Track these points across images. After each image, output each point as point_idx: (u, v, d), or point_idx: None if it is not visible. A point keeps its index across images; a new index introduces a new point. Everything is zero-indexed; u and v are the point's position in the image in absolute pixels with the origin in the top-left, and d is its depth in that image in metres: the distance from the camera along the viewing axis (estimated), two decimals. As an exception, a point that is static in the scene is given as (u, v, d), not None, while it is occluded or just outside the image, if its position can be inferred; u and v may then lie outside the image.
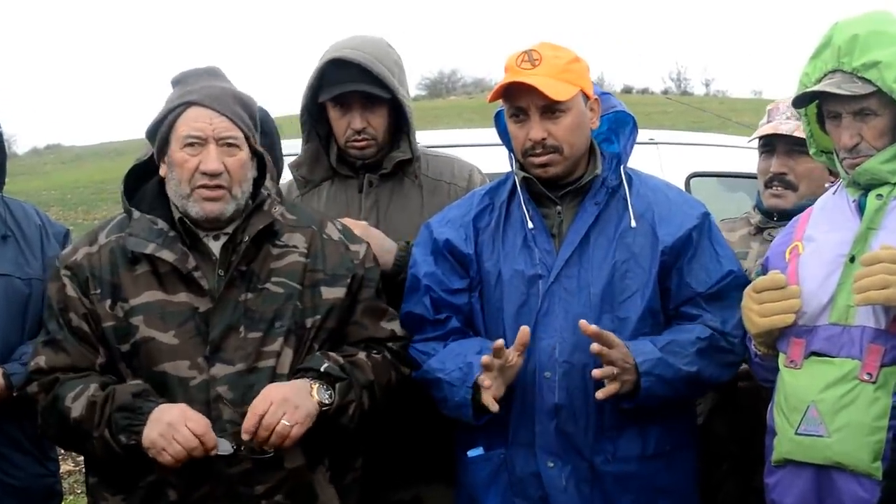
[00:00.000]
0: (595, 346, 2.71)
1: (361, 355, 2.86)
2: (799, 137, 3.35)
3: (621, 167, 3.02)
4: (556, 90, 2.84)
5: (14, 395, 3.21)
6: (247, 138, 2.80)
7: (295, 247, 2.86)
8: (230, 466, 2.69)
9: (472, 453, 2.99)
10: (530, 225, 2.96)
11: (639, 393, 2.79)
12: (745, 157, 4.98)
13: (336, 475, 2.85)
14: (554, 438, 2.87)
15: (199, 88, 2.80)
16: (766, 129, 3.59)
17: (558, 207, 2.98)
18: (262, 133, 3.14)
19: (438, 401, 2.95)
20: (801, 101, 2.85)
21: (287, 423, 2.63)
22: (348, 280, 2.87)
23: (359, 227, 3.16)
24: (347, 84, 3.26)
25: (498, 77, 3.02)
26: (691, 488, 3.02)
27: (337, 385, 2.74)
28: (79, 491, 6.59)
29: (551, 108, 2.88)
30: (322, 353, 2.81)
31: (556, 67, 2.88)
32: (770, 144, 3.57)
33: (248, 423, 2.63)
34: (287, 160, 3.63)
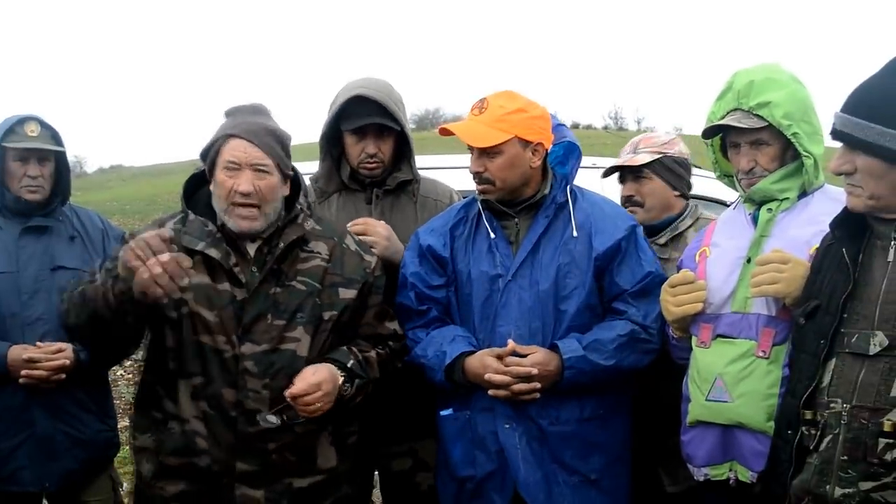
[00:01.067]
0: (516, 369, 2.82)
1: (372, 353, 2.87)
2: (636, 165, 3.46)
3: (568, 186, 3.02)
4: (478, 137, 2.87)
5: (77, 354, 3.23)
6: (277, 165, 2.77)
7: (319, 253, 2.84)
8: (249, 426, 2.69)
9: (443, 413, 3.02)
10: (492, 235, 2.98)
11: (562, 381, 2.84)
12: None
13: (337, 439, 2.84)
14: (509, 406, 2.88)
15: (241, 123, 2.79)
16: (610, 163, 3.66)
17: (516, 220, 2.99)
18: None
19: (427, 379, 2.98)
20: (708, 133, 2.89)
21: (319, 405, 2.67)
22: (360, 285, 2.86)
23: (381, 226, 3.19)
24: (366, 117, 3.26)
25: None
26: (622, 445, 3.02)
27: (356, 381, 2.77)
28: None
29: (485, 150, 2.89)
30: (348, 348, 2.83)
31: (494, 117, 2.88)
32: (622, 175, 3.59)
33: (298, 389, 2.65)
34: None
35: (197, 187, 2.92)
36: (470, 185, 3.09)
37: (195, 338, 2.71)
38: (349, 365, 2.77)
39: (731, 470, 2.74)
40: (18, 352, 3.34)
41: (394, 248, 3.16)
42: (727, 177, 2.96)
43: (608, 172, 3.67)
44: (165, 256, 2.47)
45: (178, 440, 2.72)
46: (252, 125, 2.78)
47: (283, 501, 2.74)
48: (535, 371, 2.82)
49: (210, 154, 2.79)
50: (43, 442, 3.42)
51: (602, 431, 2.93)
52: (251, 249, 2.80)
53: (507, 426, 2.88)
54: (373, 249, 3.02)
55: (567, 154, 3.09)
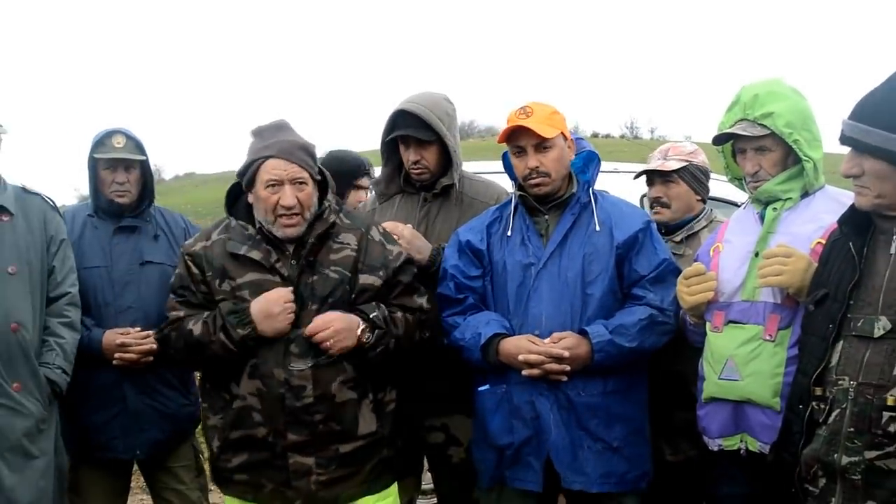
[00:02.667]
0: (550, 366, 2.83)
1: (399, 313, 2.85)
2: (666, 171, 3.47)
3: (590, 189, 3.04)
4: (544, 131, 2.88)
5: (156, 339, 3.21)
6: (310, 175, 2.80)
7: (348, 244, 2.83)
8: (297, 400, 2.69)
9: (481, 388, 3.00)
10: (526, 229, 2.99)
11: (593, 363, 2.82)
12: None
13: (376, 406, 2.83)
14: (542, 379, 2.86)
15: (274, 143, 2.79)
16: (642, 168, 3.67)
17: (546, 216, 3.00)
18: None
19: (465, 359, 2.97)
20: (719, 141, 2.87)
21: (335, 339, 2.71)
22: (382, 271, 2.84)
23: (406, 229, 3.16)
24: (405, 129, 3.25)
25: (502, 125, 3.05)
26: (641, 417, 2.99)
27: (376, 331, 2.76)
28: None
29: (541, 145, 2.91)
30: (376, 303, 2.81)
31: (543, 117, 2.92)
32: (650, 179, 3.58)
33: (315, 326, 2.71)
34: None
35: (237, 195, 2.94)
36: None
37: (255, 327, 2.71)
38: (371, 316, 2.75)
39: (741, 441, 2.71)
40: (112, 337, 3.38)
41: (415, 247, 3.12)
42: (738, 179, 2.93)
43: (640, 175, 3.66)
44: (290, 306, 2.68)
45: (238, 416, 2.75)
46: (284, 144, 2.80)
47: (332, 466, 2.74)
48: (566, 354, 2.79)
49: (248, 173, 2.80)
50: (133, 415, 3.44)
51: (623, 404, 2.91)
52: (289, 246, 2.80)
53: (542, 395, 2.87)
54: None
55: (587, 163, 3.09)
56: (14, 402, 3.11)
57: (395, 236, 3.03)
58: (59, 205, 3.51)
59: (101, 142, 3.53)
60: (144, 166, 3.60)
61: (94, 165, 3.56)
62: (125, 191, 3.54)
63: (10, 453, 3.10)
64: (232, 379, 2.76)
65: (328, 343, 2.69)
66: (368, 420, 2.79)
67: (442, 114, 3.29)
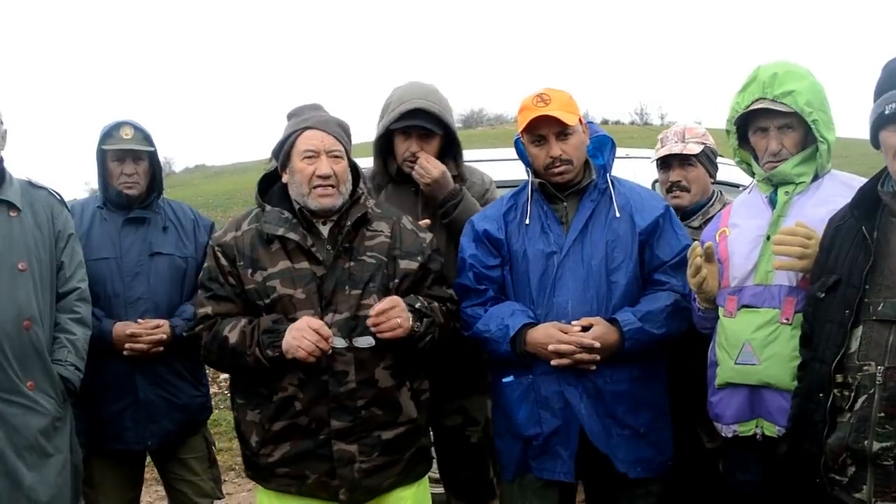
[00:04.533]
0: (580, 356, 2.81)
1: (436, 304, 2.87)
2: (686, 154, 3.45)
3: (607, 174, 3.03)
4: (567, 118, 2.87)
5: (184, 335, 3.21)
6: (346, 151, 2.84)
7: (381, 231, 2.86)
8: (340, 385, 2.70)
9: (505, 380, 2.99)
10: (545, 216, 2.97)
11: (623, 350, 2.82)
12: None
13: (414, 395, 2.86)
14: (568, 368, 2.86)
15: (311, 117, 2.84)
16: (663, 152, 3.61)
17: (565, 204, 2.98)
18: None
19: (488, 350, 2.98)
20: (739, 120, 2.84)
21: (398, 321, 2.67)
22: (419, 257, 2.87)
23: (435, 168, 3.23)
24: (411, 119, 3.27)
25: (511, 112, 3.04)
26: (663, 402, 3.01)
27: (424, 320, 2.77)
28: (221, 406, 6.63)
29: (563, 133, 2.90)
30: (415, 295, 2.83)
31: (563, 103, 2.90)
32: (666, 162, 3.57)
33: (381, 306, 2.67)
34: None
35: (269, 185, 2.95)
36: (506, 175, 3.06)
37: (288, 316, 2.73)
38: (417, 306, 2.78)
39: (757, 426, 2.71)
40: (122, 328, 3.40)
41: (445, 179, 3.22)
42: (745, 164, 2.92)
43: (659, 159, 3.63)
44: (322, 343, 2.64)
45: (280, 407, 2.75)
46: (321, 118, 2.85)
47: (375, 453, 2.76)
48: (597, 344, 2.80)
49: (285, 147, 2.82)
50: (144, 406, 3.47)
51: (648, 390, 2.93)
52: (324, 231, 2.81)
53: (570, 385, 2.87)
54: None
55: (600, 147, 3.08)
56: (29, 401, 3.11)
57: (422, 172, 3.14)
58: (69, 199, 3.51)
59: (110, 133, 3.55)
60: (153, 158, 3.63)
61: (102, 157, 3.59)
62: (133, 182, 3.57)
63: (28, 452, 3.11)
64: (272, 373, 2.75)
65: (390, 324, 2.68)
66: (409, 407, 2.82)
67: (447, 107, 3.33)
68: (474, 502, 3.40)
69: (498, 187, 3.58)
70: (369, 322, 2.66)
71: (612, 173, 3.10)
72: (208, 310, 2.84)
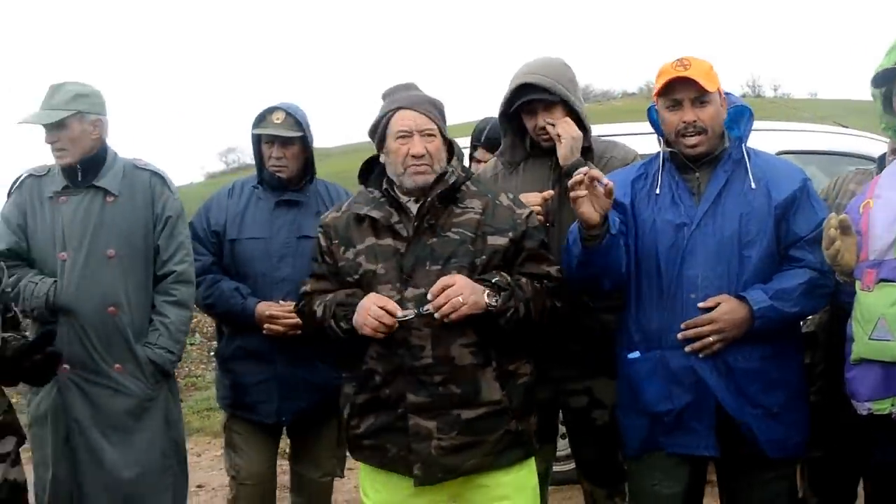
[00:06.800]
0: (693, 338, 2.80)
1: (524, 280, 2.85)
2: None
3: (742, 145, 2.98)
4: (707, 83, 2.84)
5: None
6: (439, 129, 2.88)
7: (473, 208, 2.87)
8: (415, 360, 2.73)
9: (631, 356, 2.98)
10: (676, 186, 2.94)
11: (752, 329, 2.79)
12: (816, 139, 4.81)
13: (502, 376, 2.81)
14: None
15: (403, 97, 2.89)
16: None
17: (697, 174, 2.94)
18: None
19: (573, 264, 2.89)
20: (880, 80, 2.75)
21: (460, 300, 2.67)
22: (510, 233, 2.85)
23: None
24: (525, 95, 3.24)
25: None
26: (799, 381, 2.96)
27: (502, 294, 2.76)
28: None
29: (700, 100, 2.86)
30: (496, 271, 2.82)
31: (702, 71, 2.86)
32: None
33: (437, 287, 2.69)
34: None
35: (371, 168, 3.02)
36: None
37: (370, 290, 2.80)
38: (494, 280, 2.77)
39: (892, 405, 2.60)
40: (263, 308, 3.56)
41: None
42: (892, 130, 2.83)
43: None
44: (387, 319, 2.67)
45: (364, 380, 2.82)
46: (414, 97, 2.89)
47: (454, 432, 2.74)
48: (725, 330, 2.78)
49: (380, 128, 2.89)
50: (283, 383, 3.60)
51: (781, 369, 2.87)
52: (413, 208, 2.86)
53: (700, 360, 2.84)
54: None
55: (736, 118, 3.01)
56: (115, 383, 3.38)
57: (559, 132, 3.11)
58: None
59: (262, 117, 3.70)
60: (304, 142, 3.73)
61: (257, 140, 3.74)
62: (282, 166, 3.69)
63: (112, 431, 3.36)
64: (361, 346, 2.83)
65: (453, 303, 2.66)
66: (492, 388, 2.78)
67: (566, 80, 3.28)
68: (603, 483, 3.38)
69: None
70: (429, 294, 2.68)
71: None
72: (308, 287, 2.97)
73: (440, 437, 2.73)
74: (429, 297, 2.69)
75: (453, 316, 2.67)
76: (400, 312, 2.70)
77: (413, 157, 2.80)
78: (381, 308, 2.68)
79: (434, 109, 2.88)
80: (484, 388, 2.76)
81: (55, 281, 3.36)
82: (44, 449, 3.43)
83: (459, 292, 2.66)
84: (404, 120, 2.83)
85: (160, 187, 3.54)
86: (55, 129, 3.40)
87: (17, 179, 3.56)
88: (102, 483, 3.38)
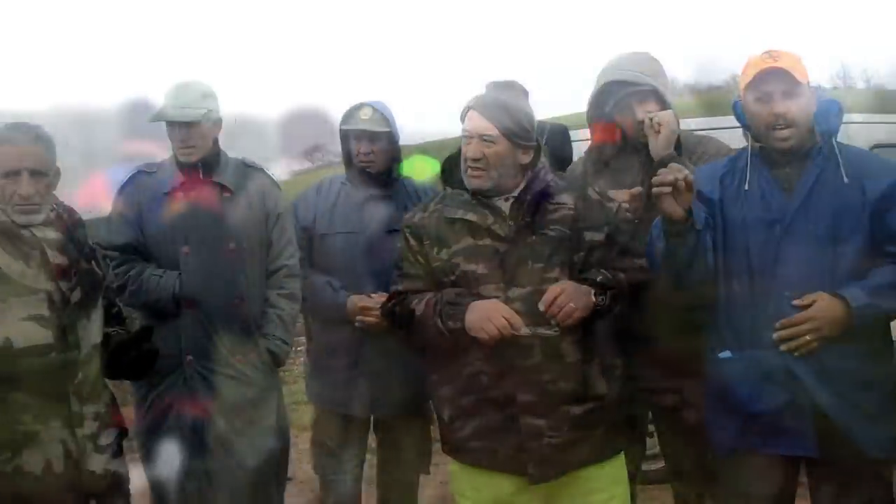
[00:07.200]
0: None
1: (621, 275, 2.85)
2: None
3: (833, 139, 2.90)
4: (798, 74, 2.80)
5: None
6: (504, 135, 2.81)
7: (565, 204, 2.87)
8: (525, 360, 2.75)
9: (722, 356, 2.91)
10: (765, 182, 2.89)
11: (850, 327, 2.70)
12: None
13: (605, 370, 2.85)
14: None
15: (482, 97, 2.87)
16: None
17: (787, 169, 2.88)
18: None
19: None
20: None
21: (572, 305, 2.69)
22: (605, 228, 2.86)
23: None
24: (616, 92, 3.22)
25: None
26: (893, 380, 2.87)
27: (608, 292, 2.78)
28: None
29: (790, 93, 2.81)
30: (597, 269, 2.83)
31: (792, 62, 2.82)
32: None
33: (547, 297, 2.71)
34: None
35: (451, 167, 3.02)
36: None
37: (472, 291, 2.81)
38: (598, 279, 2.78)
39: None
40: (355, 300, 3.59)
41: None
42: None
43: None
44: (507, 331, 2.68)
45: (469, 381, 2.82)
46: (488, 98, 2.86)
47: (564, 428, 2.77)
48: (823, 328, 2.71)
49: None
50: (373, 377, 3.63)
51: (877, 368, 2.81)
52: (505, 208, 2.86)
53: (795, 359, 2.77)
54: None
55: (826, 112, 2.93)
56: (238, 373, 3.46)
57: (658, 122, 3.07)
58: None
59: (350, 114, 3.75)
60: (391, 138, 3.76)
61: (345, 136, 3.79)
62: (370, 161, 3.72)
63: (238, 420, 3.44)
64: (461, 347, 2.83)
65: (566, 311, 2.69)
66: (599, 382, 2.82)
67: (651, 72, 3.24)
68: (692, 484, 3.35)
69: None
70: (540, 305, 2.70)
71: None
72: (399, 287, 2.97)
73: (551, 434, 2.76)
74: (541, 307, 2.71)
75: (569, 322, 2.70)
76: (523, 329, 2.73)
77: (470, 159, 2.82)
78: (507, 319, 2.70)
79: (505, 114, 2.82)
80: (592, 382, 2.80)
81: (180, 274, 3.47)
82: (169, 440, 3.50)
83: (570, 299, 2.70)
84: (469, 121, 2.85)
85: (270, 184, 3.66)
86: (186, 128, 3.51)
87: (128, 176, 3.66)
88: (231, 471, 3.48)
